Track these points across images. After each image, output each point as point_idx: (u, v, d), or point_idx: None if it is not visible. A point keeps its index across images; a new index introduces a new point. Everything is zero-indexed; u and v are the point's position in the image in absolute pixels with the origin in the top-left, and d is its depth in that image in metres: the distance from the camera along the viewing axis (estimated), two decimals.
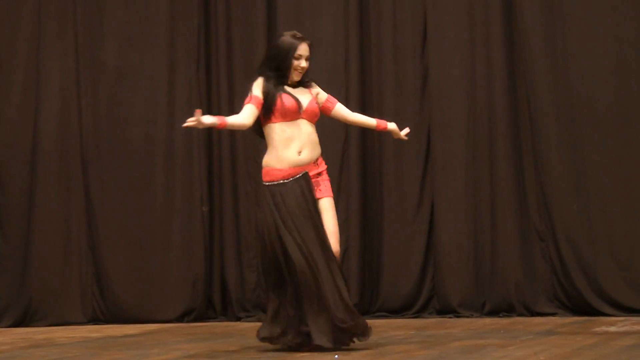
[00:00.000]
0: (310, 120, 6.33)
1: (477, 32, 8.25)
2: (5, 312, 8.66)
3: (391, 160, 8.43)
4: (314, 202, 6.23)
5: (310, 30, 8.43)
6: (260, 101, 6.24)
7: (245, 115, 6.25)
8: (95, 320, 8.64)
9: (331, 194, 6.34)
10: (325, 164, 6.39)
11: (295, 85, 6.35)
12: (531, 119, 8.10)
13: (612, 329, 6.94)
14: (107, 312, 8.66)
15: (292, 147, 6.24)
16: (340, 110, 6.54)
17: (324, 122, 8.31)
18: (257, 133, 6.44)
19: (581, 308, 7.91)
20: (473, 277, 8.19)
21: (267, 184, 6.24)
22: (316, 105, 6.38)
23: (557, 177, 8.03)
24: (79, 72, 8.79)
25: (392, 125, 6.61)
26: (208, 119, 6.16)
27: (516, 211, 8.11)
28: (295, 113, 6.25)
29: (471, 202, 8.24)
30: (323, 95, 6.46)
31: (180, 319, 8.53)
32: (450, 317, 8.12)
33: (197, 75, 8.68)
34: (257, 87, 6.28)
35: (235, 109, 8.61)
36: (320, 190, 6.28)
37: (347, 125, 8.33)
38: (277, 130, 6.25)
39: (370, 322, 7.92)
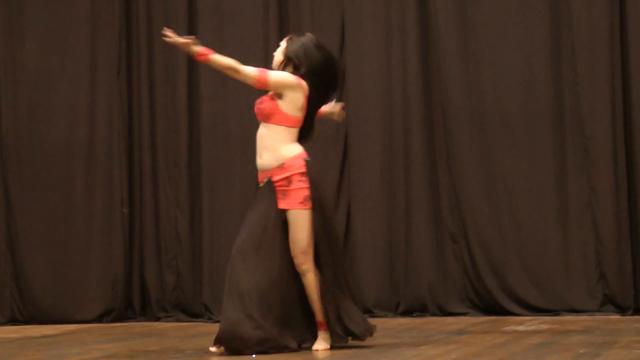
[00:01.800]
0: (263, 120, 5.96)
1: (394, 38, 8.25)
2: None
3: None
4: (276, 214, 5.82)
5: (231, 35, 8.41)
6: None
7: (244, 67, 5.88)
8: (13, 320, 8.49)
9: (296, 205, 5.80)
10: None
11: None
12: (445, 124, 8.12)
13: (521, 328, 6.98)
14: (26, 312, 8.51)
15: (257, 150, 5.97)
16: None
17: (243, 124, 8.32)
18: None
19: (491, 308, 7.93)
20: (388, 278, 8.18)
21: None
22: (268, 102, 5.93)
23: (469, 180, 8.05)
24: None
25: (326, 108, 6.26)
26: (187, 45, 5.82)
27: (430, 214, 8.12)
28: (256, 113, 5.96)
29: (386, 205, 8.23)
30: None
31: (99, 319, 8.42)
32: (365, 317, 8.09)
33: (117, 78, 8.57)
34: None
35: (156, 112, 8.56)
36: (284, 201, 5.82)
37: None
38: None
39: None
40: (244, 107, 8.32)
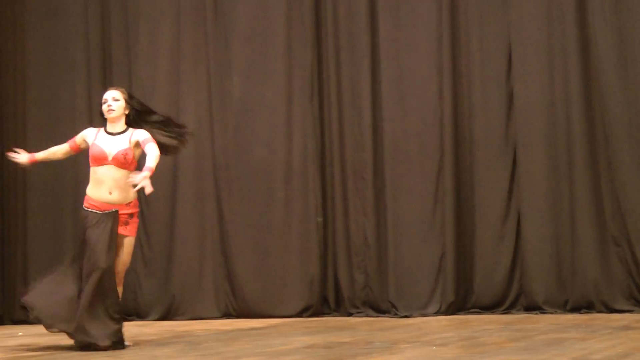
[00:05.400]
0: (120, 166, 6.31)
1: (556, 59, 8.13)
2: (152, 307, 8.81)
3: (482, 174, 8.35)
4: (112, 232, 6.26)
5: (408, 64, 8.43)
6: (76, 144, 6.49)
7: (57, 148, 6.59)
8: (227, 315, 8.69)
9: (134, 234, 6.38)
10: (139, 208, 6.46)
11: (119, 131, 6.37)
12: (605, 135, 7.96)
13: None
14: (237, 308, 8.70)
15: (102, 187, 6.31)
16: (146, 150, 6.34)
17: (421, 142, 8.38)
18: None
19: None
20: (556, 278, 8.05)
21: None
22: (126, 152, 6.30)
23: (630, 188, 7.86)
24: (210, 102, 8.91)
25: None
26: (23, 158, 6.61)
27: (593, 219, 7.96)
28: (102, 159, 6.30)
29: (553, 211, 8.11)
30: (142, 138, 6.33)
31: (299, 314, 8.53)
32: (536, 313, 8.00)
33: (310, 104, 8.70)
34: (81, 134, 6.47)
35: (344, 132, 8.66)
36: (127, 227, 6.33)
37: (442, 143, 8.32)
38: (91, 172, 6.37)
39: (464, 317, 7.98)
40: (422, 127, 8.39)
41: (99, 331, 6.11)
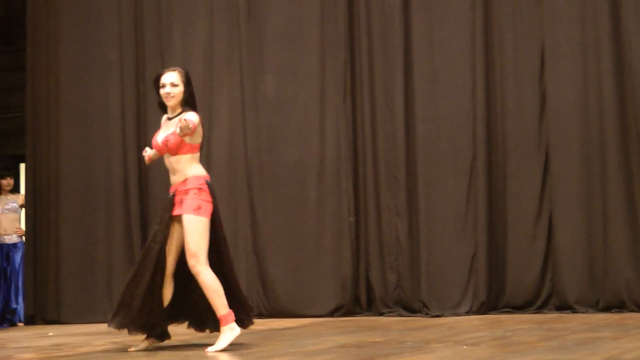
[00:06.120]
0: (169, 152, 5.96)
1: (589, 59, 8.13)
2: None
3: (514, 174, 8.35)
4: (168, 220, 5.92)
5: (442, 62, 8.46)
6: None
7: None
8: (259, 314, 8.70)
9: (190, 211, 5.84)
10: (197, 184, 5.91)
11: (175, 115, 5.99)
12: (638, 136, 7.95)
13: None
14: (270, 307, 8.76)
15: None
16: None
17: (454, 142, 8.40)
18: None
19: None
20: (587, 277, 8.06)
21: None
22: (167, 139, 5.91)
23: None
24: (244, 102, 8.97)
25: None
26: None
27: (625, 219, 7.95)
28: (157, 148, 6.04)
29: (585, 211, 8.11)
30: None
31: (331, 314, 8.57)
32: (567, 313, 8.00)
33: (343, 104, 8.74)
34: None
35: (377, 132, 8.69)
36: (180, 207, 5.90)
37: (474, 143, 8.33)
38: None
39: (496, 317, 7.99)
40: (454, 127, 8.41)
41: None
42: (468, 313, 8.21)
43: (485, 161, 8.37)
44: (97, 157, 9.27)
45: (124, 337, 6.48)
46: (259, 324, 8.11)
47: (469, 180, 8.36)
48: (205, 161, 8.90)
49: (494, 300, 8.29)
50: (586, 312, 7.96)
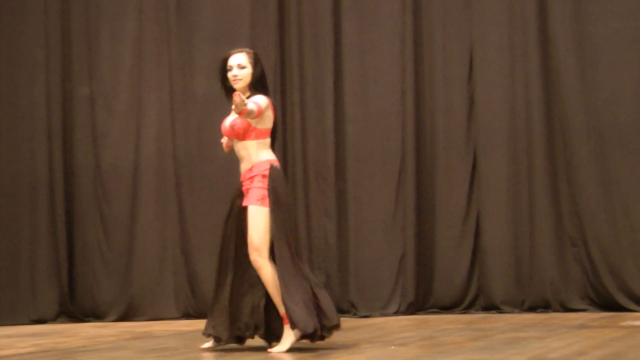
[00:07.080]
0: (236, 137, 5.82)
1: (517, 63, 8.23)
2: (111, 308, 8.74)
3: (442, 175, 8.42)
4: (240, 211, 5.80)
5: (371, 64, 8.49)
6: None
7: None
8: (187, 315, 8.67)
9: (254, 202, 5.72)
10: (263, 170, 5.80)
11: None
12: (564, 138, 8.08)
13: (637, 323, 6.89)
14: (197, 308, 8.66)
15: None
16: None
17: (383, 143, 8.43)
18: None
19: (609, 304, 7.85)
20: (514, 278, 8.15)
21: None
22: (234, 122, 5.74)
23: (587, 189, 7.99)
24: (172, 101, 8.90)
25: None
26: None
27: (551, 220, 8.07)
28: (226, 134, 5.84)
29: (512, 212, 8.21)
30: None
31: None
32: (494, 313, 8.09)
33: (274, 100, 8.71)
34: None
35: (306, 132, 8.67)
36: (246, 198, 5.78)
37: (403, 144, 8.37)
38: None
39: (424, 317, 8.05)
40: (384, 128, 8.45)
41: None
42: (396, 313, 8.26)
43: (414, 162, 8.42)
44: (22, 157, 9.10)
45: (47, 338, 6.36)
46: (187, 325, 8.07)
47: (398, 181, 8.40)
48: (133, 161, 8.83)
49: (422, 301, 8.36)
50: (512, 312, 8.05)
